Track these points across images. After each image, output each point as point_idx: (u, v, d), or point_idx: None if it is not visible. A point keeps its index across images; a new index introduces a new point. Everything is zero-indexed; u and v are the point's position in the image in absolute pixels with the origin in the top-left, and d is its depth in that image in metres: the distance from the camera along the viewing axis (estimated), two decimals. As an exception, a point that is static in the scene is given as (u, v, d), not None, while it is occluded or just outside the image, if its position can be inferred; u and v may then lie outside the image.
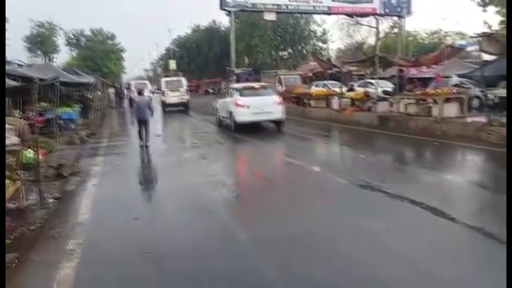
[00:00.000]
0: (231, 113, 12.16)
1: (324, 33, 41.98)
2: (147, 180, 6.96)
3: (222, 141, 10.84)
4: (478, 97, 13.63)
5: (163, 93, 21.96)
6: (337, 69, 17.08)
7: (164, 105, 21.35)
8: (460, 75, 15.79)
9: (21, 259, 3.51)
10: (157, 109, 18.91)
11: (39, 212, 4.92)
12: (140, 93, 11.57)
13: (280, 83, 22.87)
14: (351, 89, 17.08)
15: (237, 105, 11.81)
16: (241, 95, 12.13)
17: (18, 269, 3.35)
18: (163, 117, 18.77)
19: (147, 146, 9.78)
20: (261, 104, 11.75)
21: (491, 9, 20.64)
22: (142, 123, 9.86)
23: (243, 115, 11.65)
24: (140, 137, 9.97)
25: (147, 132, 9.90)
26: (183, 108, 21.14)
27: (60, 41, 49.12)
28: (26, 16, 53.66)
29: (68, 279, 3.10)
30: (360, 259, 3.36)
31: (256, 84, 14.21)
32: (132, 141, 11.03)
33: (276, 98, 12.25)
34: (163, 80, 23.82)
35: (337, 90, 16.13)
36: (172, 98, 21.19)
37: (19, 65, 20.69)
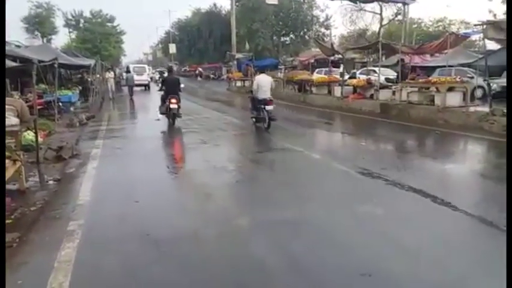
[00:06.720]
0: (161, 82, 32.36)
1: (327, 18, 41.40)
2: (147, 159, 6.96)
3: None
4: (481, 87, 13.55)
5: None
6: (340, 56, 16.91)
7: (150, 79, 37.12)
8: (463, 65, 15.66)
9: (22, 239, 3.53)
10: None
11: (40, 193, 4.92)
12: (128, 71, 22.75)
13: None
14: (353, 76, 16.97)
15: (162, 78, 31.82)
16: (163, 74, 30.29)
17: (19, 248, 3.36)
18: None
19: (132, 99, 20.05)
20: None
21: (497, -2, 20.30)
22: (130, 86, 21.35)
23: None
24: (129, 93, 20.97)
25: (132, 91, 21.12)
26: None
27: (59, 22, 48.37)
28: (24, -4, 52.71)
29: (69, 259, 3.11)
30: (356, 243, 3.37)
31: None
32: (132, 124, 12.00)
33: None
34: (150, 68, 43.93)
35: (339, 77, 16.05)
36: (154, 75, 40.49)
37: (17, 45, 20.35)
